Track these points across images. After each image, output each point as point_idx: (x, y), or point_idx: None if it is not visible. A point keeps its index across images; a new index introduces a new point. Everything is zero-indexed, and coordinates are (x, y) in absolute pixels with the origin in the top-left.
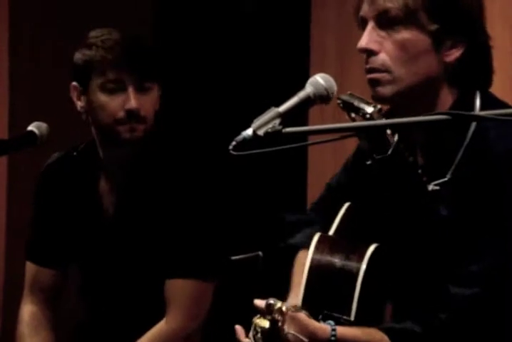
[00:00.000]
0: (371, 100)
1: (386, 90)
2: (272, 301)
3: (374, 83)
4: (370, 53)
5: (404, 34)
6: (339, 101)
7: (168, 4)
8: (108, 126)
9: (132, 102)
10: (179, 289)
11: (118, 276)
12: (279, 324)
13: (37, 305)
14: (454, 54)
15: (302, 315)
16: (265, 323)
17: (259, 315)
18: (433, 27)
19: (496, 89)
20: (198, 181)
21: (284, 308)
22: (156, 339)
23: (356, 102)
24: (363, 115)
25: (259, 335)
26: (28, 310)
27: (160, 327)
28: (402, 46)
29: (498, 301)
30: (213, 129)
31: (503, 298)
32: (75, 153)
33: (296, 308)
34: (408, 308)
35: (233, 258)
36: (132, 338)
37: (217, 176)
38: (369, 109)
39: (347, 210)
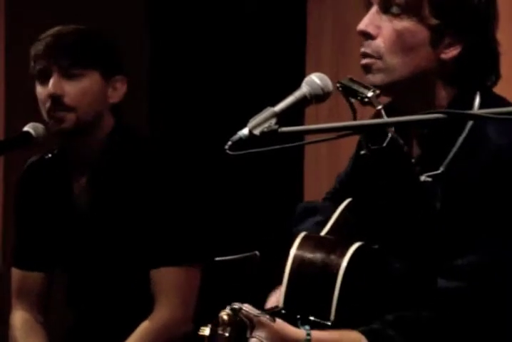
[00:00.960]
0: (370, 86)
1: (376, 79)
2: (234, 306)
3: (366, 70)
4: (367, 36)
5: (404, 23)
6: (338, 85)
7: (164, 3)
8: (44, 117)
9: (50, 87)
10: (164, 278)
11: (103, 273)
12: (219, 332)
13: (27, 310)
14: (451, 52)
15: (267, 320)
16: (206, 332)
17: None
18: (434, 21)
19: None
20: (172, 168)
21: (225, 317)
22: (148, 332)
23: (355, 86)
24: (361, 99)
25: None
26: (18, 315)
27: (150, 319)
28: (400, 35)
29: (489, 297)
30: (209, 128)
31: (496, 293)
32: (50, 155)
33: (261, 313)
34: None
35: (229, 257)
36: (124, 334)
37: (192, 163)
38: (369, 93)
39: (346, 207)
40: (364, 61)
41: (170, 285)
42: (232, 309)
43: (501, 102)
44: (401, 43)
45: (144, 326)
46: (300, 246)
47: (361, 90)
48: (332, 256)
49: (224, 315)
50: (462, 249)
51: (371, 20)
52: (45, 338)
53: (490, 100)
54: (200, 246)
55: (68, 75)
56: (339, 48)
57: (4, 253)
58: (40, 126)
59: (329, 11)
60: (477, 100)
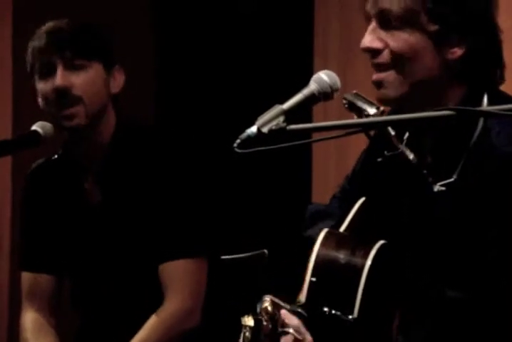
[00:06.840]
0: (375, 101)
1: (390, 92)
2: (266, 298)
3: (378, 85)
4: (374, 52)
5: (405, 35)
6: (344, 101)
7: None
8: (50, 114)
9: (57, 80)
10: (172, 271)
11: (113, 271)
12: (264, 323)
13: (38, 312)
14: (457, 52)
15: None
16: (251, 322)
17: (246, 315)
18: (434, 28)
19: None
20: (180, 161)
21: (269, 308)
22: (159, 324)
23: (359, 103)
24: (365, 117)
25: (247, 333)
26: (29, 317)
27: (160, 311)
28: (404, 46)
29: (496, 308)
30: (217, 127)
31: (503, 304)
32: (56, 156)
33: (293, 306)
34: (414, 314)
35: (238, 256)
36: (132, 330)
37: (199, 156)
38: (371, 110)
39: (361, 206)
40: (375, 77)
41: (179, 277)
42: (270, 301)
43: (510, 100)
44: (408, 54)
45: (154, 318)
46: (322, 244)
47: (365, 106)
48: (356, 254)
49: (268, 306)
50: (472, 258)
51: (372, 35)
52: (57, 340)
53: (499, 99)
54: (206, 238)
55: (73, 66)
56: (346, 45)
57: (12, 255)
58: (48, 125)
59: (336, 9)
60: (485, 100)
